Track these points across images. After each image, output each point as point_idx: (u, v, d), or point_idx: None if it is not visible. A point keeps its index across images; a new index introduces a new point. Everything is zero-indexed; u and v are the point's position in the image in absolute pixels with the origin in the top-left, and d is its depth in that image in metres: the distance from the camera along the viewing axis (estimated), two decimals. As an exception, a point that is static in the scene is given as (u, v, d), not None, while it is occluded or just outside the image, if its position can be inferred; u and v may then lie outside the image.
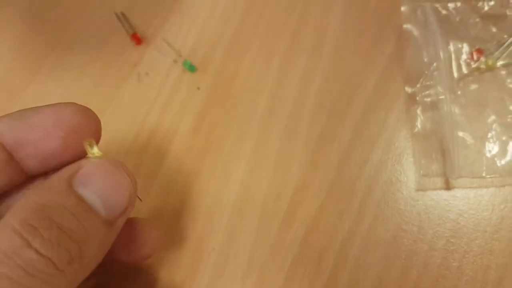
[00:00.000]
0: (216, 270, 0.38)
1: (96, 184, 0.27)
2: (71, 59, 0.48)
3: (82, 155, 0.30)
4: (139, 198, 0.31)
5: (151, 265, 0.39)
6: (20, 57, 0.48)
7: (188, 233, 0.40)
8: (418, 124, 0.41)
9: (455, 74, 0.42)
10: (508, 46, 0.43)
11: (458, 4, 0.44)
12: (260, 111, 0.44)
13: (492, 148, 0.40)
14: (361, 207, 0.39)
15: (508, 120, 0.40)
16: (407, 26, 0.44)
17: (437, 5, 0.44)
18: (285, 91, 0.44)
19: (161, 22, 0.49)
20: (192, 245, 0.40)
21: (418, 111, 0.41)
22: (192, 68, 0.46)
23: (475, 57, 0.43)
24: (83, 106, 0.31)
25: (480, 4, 0.44)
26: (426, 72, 0.42)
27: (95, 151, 0.30)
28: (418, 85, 0.41)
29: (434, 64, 0.41)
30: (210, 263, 0.39)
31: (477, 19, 0.44)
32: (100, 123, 0.32)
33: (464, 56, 0.43)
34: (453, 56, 0.43)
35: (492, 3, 0.44)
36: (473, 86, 0.42)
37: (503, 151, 0.39)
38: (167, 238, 0.40)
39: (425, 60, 0.42)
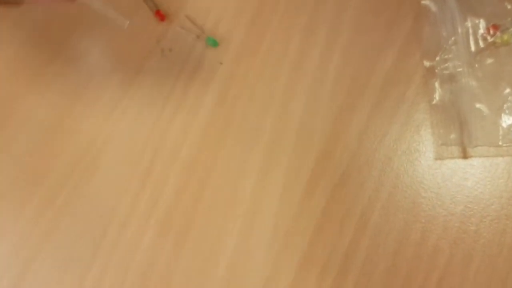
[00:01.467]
0: (243, 235, 0.40)
1: None
2: (96, 33, 0.49)
3: None
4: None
5: (180, 228, 0.41)
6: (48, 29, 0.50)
7: (214, 199, 0.41)
8: (437, 96, 0.42)
9: (472, 48, 0.43)
10: (523, 22, 0.44)
11: (475, -20, 0.45)
12: (281, 86, 0.45)
13: (507, 118, 0.41)
14: (380, 176, 0.41)
15: (523, 92, 0.42)
16: (425, 2, 0.45)
17: (454, -18, 0.45)
18: (305, 66, 0.45)
19: (184, -1, 0.50)
20: (220, 211, 0.41)
21: (436, 84, 0.43)
22: (215, 44, 0.47)
23: (491, 32, 0.44)
24: None
25: (496, -19, 0.45)
26: (444, 46, 0.43)
27: None
28: (437, 58, 0.43)
29: (452, 39, 0.43)
30: (236, 229, 0.40)
31: (493, -4, 0.45)
32: None
33: (481, 31, 0.44)
34: (470, 31, 0.44)
35: (508, -20, 0.45)
36: (489, 60, 0.43)
37: (518, 121, 0.41)
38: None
39: (444, 34, 0.43)
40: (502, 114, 0.42)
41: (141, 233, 0.41)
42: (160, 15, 0.50)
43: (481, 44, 0.44)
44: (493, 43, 0.44)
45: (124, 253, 0.41)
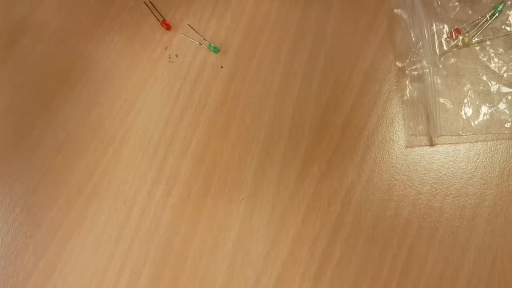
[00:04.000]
0: (246, 216, 0.48)
1: None
2: (112, 40, 0.56)
3: None
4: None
5: (192, 210, 0.48)
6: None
7: (221, 186, 0.49)
8: (407, 93, 0.50)
9: (438, 50, 0.51)
10: (482, 25, 0.51)
11: (440, -10, 0.53)
12: (275, 86, 0.52)
13: (467, 111, 0.49)
14: (361, 162, 0.49)
15: (481, 88, 0.49)
16: (397, 10, 0.53)
17: (422, -9, 0.52)
18: (295, 68, 0.52)
19: (186, 9, 0.57)
20: (226, 197, 0.49)
21: (407, 82, 0.50)
22: (216, 50, 0.55)
23: (454, 35, 0.51)
24: None
25: (458, -10, 0.53)
26: (413, 49, 0.50)
27: None
28: (407, 61, 0.50)
29: (420, 43, 0.50)
30: (241, 212, 0.48)
31: (456, 3, 0.53)
32: None
33: (444, 35, 0.51)
34: (436, 35, 0.51)
35: (468, -11, 0.52)
36: (452, 60, 0.51)
37: (476, 113, 0.49)
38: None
39: (413, 39, 0.51)
40: (463, 107, 0.49)
41: (159, 217, 0.49)
42: (166, 25, 0.56)
43: (445, 46, 0.51)
44: (456, 45, 0.51)
45: (145, 234, 0.48)
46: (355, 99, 0.51)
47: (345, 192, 0.48)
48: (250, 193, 0.49)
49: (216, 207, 0.48)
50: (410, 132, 0.49)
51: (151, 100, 0.53)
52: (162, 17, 0.57)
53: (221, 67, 0.54)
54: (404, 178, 0.48)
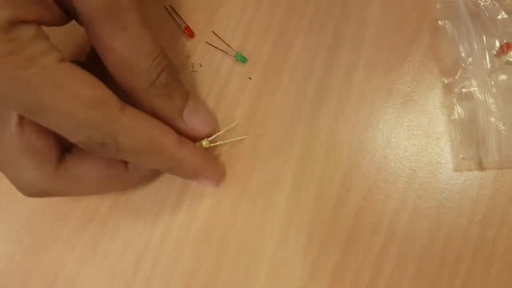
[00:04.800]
0: (280, 245, 0.43)
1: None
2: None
3: None
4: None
5: (223, 230, 0.44)
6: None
7: (251, 212, 0.44)
8: (455, 112, 0.46)
9: (488, 67, 0.47)
10: (534, 40, 0.47)
11: (488, 1, 0.49)
12: (309, 98, 0.48)
13: (522, 133, 0.44)
14: (406, 187, 0.44)
15: (535, 108, 0.45)
16: (441, 22, 0.48)
17: (468, 2, 0.48)
18: (330, 82, 0.48)
19: (210, 15, 0.52)
20: (256, 222, 0.44)
21: (455, 100, 0.46)
22: (243, 60, 0.50)
23: (505, 50, 0.47)
24: None
25: (508, 1, 0.48)
26: (463, 65, 0.46)
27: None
28: (456, 77, 0.46)
29: (470, 59, 0.46)
30: (274, 239, 0.43)
31: (505, 15, 0.48)
32: None
33: (494, 50, 0.47)
34: (486, 50, 0.47)
35: (518, 0, 0.48)
36: (503, 77, 0.47)
37: (531, 136, 0.45)
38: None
39: (462, 54, 0.46)
40: (517, 129, 0.45)
41: (181, 246, 0.44)
42: (189, 31, 0.52)
43: (496, 62, 0.47)
44: (507, 61, 0.47)
45: (167, 262, 0.44)
46: (397, 116, 0.47)
47: (389, 221, 0.43)
48: (284, 219, 0.44)
49: (246, 236, 0.44)
50: (459, 155, 0.44)
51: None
52: (185, 23, 0.52)
53: (249, 78, 0.49)
54: (454, 205, 0.43)
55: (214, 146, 0.46)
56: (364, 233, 0.43)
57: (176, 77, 0.41)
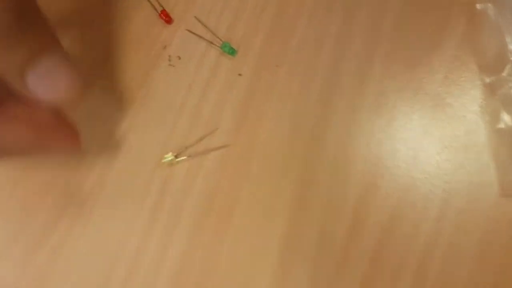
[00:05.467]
0: (277, 283, 0.33)
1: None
2: (91, 37, 0.41)
3: None
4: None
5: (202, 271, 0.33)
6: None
7: (238, 249, 0.34)
8: (500, 119, 0.35)
9: (543, 62, 0.36)
10: None
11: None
12: (313, 100, 0.38)
13: None
14: (438, 216, 0.34)
15: None
16: (481, 5, 0.38)
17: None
18: (340, 80, 0.38)
19: (192, -3, 0.42)
20: (244, 261, 0.34)
21: (500, 104, 0.36)
22: (232, 51, 0.40)
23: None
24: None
25: None
26: (510, 58, 0.36)
27: None
28: (503, 74, 0.36)
29: (520, 51, 0.35)
30: (267, 283, 0.33)
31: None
32: None
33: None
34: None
35: None
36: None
37: None
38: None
39: (510, 46, 0.36)
40: None
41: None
42: (166, 16, 0.42)
43: (551, 57, 0.37)
44: None
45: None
46: (424, 124, 0.37)
47: (417, 261, 0.32)
48: (280, 258, 0.33)
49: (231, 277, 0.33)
50: (507, 176, 0.34)
51: (143, 118, 0.38)
52: (161, 5, 0.42)
53: (239, 74, 0.39)
54: (502, 241, 0.33)
55: (185, 160, 0.36)
56: (384, 278, 0.32)
57: (31, 19, 0.27)
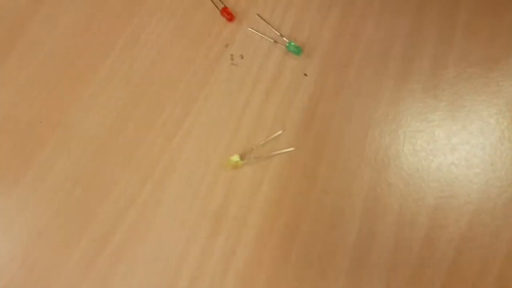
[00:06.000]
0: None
1: None
2: (152, 30, 0.41)
3: None
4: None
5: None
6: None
7: (310, 257, 0.33)
8: None
9: None
10: None
11: None
12: (384, 102, 0.36)
13: None
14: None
15: None
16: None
17: None
18: (409, 79, 0.37)
19: (255, -5, 0.41)
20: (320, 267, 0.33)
21: None
22: (298, 51, 0.39)
23: None
24: None
25: None
26: None
27: None
28: None
29: None
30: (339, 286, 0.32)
31: None
32: None
33: None
34: None
35: None
36: None
37: None
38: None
39: None
40: None
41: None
42: (228, 14, 0.41)
43: None
44: None
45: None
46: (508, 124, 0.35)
47: (498, 268, 0.31)
48: (353, 265, 0.32)
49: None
50: None
51: (207, 118, 0.37)
52: (222, 3, 0.41)
53: (305, 74, 0.38)
54: None
55: (250, 162, 0.35)
56: (464, 286, 0.31)
57: None
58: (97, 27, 0.42)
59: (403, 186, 0.34)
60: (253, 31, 0.40)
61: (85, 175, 0.38)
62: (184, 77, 0.39)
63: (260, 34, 0.40)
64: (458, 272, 0.32)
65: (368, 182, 0.35)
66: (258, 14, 0.41)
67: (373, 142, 0.36)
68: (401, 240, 0.33)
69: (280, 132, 0.37)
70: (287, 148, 0.36)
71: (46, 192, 0.37)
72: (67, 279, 0.35)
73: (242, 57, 0.40)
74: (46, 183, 0.37)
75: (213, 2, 0.42)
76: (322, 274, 0.33)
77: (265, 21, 0.40)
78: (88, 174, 0.38)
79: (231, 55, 0.40)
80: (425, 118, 0.36)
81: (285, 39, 0.39)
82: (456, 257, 0.32)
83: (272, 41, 0.40)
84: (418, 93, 0.37)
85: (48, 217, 0.37)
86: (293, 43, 0.39)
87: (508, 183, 0.34)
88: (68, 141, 0.39)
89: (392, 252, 0.33)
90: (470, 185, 0.34)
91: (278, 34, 0.40)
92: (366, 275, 0.32)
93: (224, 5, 0.41)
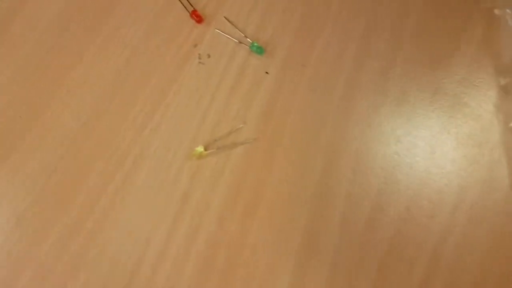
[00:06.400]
0: (299, 271, 0.35)
1: None
2: (127, 31, 0.44)
3: None
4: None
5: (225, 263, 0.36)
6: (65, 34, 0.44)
7: (263, 243, 0.36)
8: (514, 118, 0.37)
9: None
10: None
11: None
12: (336, 98, 0.40)
13: None
14: (453, 208, 0.36)
15: None
16: (499, 10, 0.40)
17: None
18: (362, 79, 0.40)
19: (222, -2, 0.44)
20: (275, 248, 0.36)
21: (514, 105, 0.38)
22: (260, 51, 0.42)
23: None
24: None
25: None
26: (526, 61, 0.38)
27: None
28: (518, 76, 0.38)
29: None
30: (291, 265, 0.35)
31: None
32: None
33: None
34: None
35: None
36: None
37: None
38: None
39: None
40: None
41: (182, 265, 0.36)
42: (197, 16, 0.44)
43: None
44: None
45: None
46: (443, 122, 0.38)
47: (432, 248, 0.35)
48: (302, 245, 0.36)
49: (258, 260, 0.36)
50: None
51: (175, 112, 0.40)
52: (192, 6, 0.44)
53: (266, 72, 0.41)
54: (513, 233, 0.35)
55: (213, 153, 0.39)
56: (402, 263, 0.35)
57: None
58: (75, 27, 0.45)
59: (351, 174, 0.38)
60: (220, 32, 0.43)
61: (61, 166, 0.41)
62: (155, 74, 0.43)
63: (226, 35, 0.43)
64: (396, 251, 0.35)
65: (321, 171, 0.38)
66: (225, 17, 0.44)
67: (326, 134, 0.39)
68: (346, 223, 0.36)
69: (242, 125, 0.40)
70: (247, 140, 0.40)
71: (23, 182, 0.40)
72: (42, 260, 0.38)
73: (209, 56, 0.43)
74: (24, 173, 0.40)
75: (183, 5, 0.45)
76: (275, 254, 0.36)
77: (231, 23, 0.44)
78: (63, 165, 0.41)
79: (199, 54, 0.43)
80: (374, 112, 0.39)
81: (249, 39, 0.43)
82: (395, 237, 0.36)
83: (237, 41, 0.43)
84: (368, 90, 0.40)
85: (26, 205, 0.39)
86: (256, 44, 0.42)
87: (446, 170, 0.37)
88: (45, 134, 0.42)
89: (339, 234, 0.36)
90: (411, 171, 0.37)
91: (243, 35, 0.43)
92: (315, 255, 0.36)
93: (194, 8, 0.44)
